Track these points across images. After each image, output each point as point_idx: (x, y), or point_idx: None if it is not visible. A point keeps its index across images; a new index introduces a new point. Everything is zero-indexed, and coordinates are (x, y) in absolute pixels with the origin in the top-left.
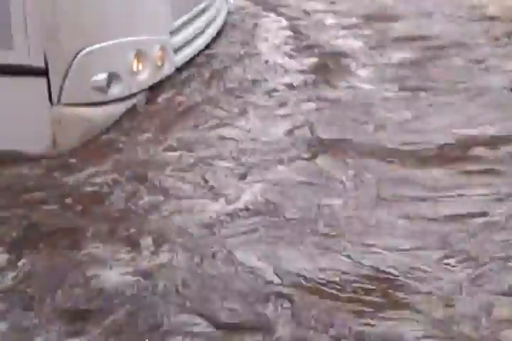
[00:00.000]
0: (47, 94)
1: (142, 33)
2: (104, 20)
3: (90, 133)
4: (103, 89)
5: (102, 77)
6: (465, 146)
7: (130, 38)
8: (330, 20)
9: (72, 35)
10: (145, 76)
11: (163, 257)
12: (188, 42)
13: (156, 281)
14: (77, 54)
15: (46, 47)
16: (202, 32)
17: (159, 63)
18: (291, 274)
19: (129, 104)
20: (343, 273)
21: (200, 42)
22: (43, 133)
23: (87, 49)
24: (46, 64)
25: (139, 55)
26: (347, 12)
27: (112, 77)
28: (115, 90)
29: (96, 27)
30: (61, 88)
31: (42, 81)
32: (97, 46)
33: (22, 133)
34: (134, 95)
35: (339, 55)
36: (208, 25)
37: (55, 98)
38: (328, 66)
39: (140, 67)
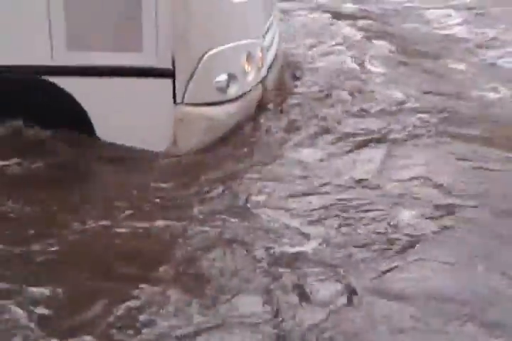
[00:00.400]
0: (171, 95)
1: (251, 36)
2: (228, 23)
3: (211, 133)
4: (223, 90)
5: (223, 77)
6: None
7: (244, 41)
8: None
9: (200, 38)
10: (252, 77)
11: None
12: (269, 46)
13: None
14: (203, 56)
15: (175, 49)
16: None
17: (260, 65)
18: None
19: (241, 103)
20: None
21: (275, 47)
22: (165, 132)
23: (212, 51)
24: (173, 66)
25: (249, 57)
26: None
27: (231, 78)
28: (232, 90)
29: (221, 30)
30: (185, 89)
31: (167, 82)
32: (220, 48)
33: (145, 132)
34: (243, 95)
35: None
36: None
37: (179, 98)
38: None
39: (249, 69)
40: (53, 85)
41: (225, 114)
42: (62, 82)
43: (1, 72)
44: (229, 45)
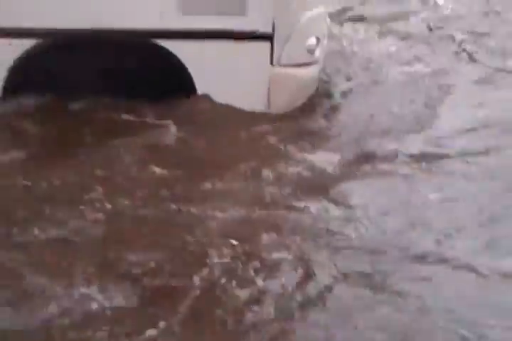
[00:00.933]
0: (269, 57)
1: (329, 5)
2: None
3: (301, 93)
4: (312, 52)
5: (313, 40)
6: None
7: (325, 9)
8: None
9: (297, 3)
10: (325, 42)
11: None
12: None
13: None
14: (299, 20)
15: (275, 14)
16: None
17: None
18: None
19: (319, 66)
20: None
21: None
22: (261, 92)
23: (307, 15)
24: (273, 29)
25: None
26: None
27: (318, 41)
28: (317, 53)
29: None
30: (281, 51)
31: (266, 44)
32: (312, 13)
33: (242, 91)
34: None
35: None
36: None
37: (275, 60)
38: None
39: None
40: (161, 48)
41: (311, 75)
42: (170, 45)
43: (113, 35)
44: (318, 10)
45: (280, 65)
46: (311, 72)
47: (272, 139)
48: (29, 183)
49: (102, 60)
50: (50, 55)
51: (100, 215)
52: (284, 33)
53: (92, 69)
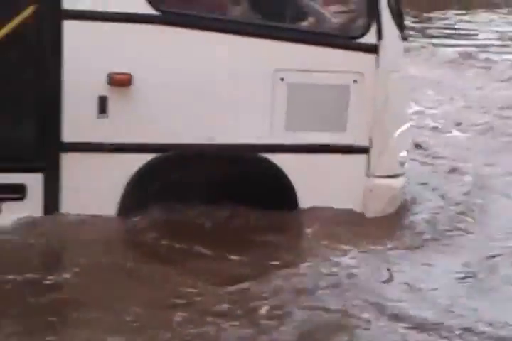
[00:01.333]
0: (365, 168)
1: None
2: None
3: (393, 202)
4: (403, 164)
5: (404, 153)
6: None
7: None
8: None
9: (393, 120)
10: None
11: None
12: None
13: None
14: (394, 135)
15: (372, 129)
16: None
17: None
18: None
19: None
20: None
21: None
22: (357, 201)
23: (399, 131)
24: (370, 144)
25: None
26: None
27: (407, 154)
28: (405, 165)
29: (405, 112)
30: (376, 163)
31: (363, 157)
32: (403, 128)
33: (339, 201)
34: None
35: None
36: None
37: (370, 171)
38: None
39: None
40: (267, 161)
41: (401, 185)
42: (275, 158)
43: (222, 150)
44: (406, 126)
45: (375, 176)
46: (401, 183)
47: None
48: None
49: (213, 172)
50: (169, 167)
51: None
52: (379, 146)
53: (202, 182)
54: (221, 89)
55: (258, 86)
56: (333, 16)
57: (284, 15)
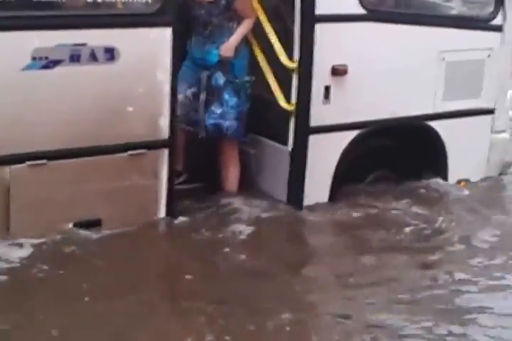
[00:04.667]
0: (490, 126)
1: None
2: None
3: (507, 153)
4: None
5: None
6: None
7: None
8: None
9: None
10: None
11: None
12: None
13: None
14: (507, 98)
15: (495, 95)
16: None
17: None
18: None
19: None
20: None
21: None
22: (485, 155)
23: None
24: (495, 106)
25: None
26: None
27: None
28: None
29: None
30: (497, 121)
31: (489, 117)
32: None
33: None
34: None
35: None
36: None
37: (493, 128)
38: None
39: None
40: (431, 128)
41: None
42: (436, 124)
43: (400, 121)
44: None
45: (495, 132)
46: (509, 137)
47: None
48: None
49: (394, 141)
50: (371, 140)
51: None
52: (500, 107)
53: (387, 150)
54: (404, 71)
55: (428, 66)
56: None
57: (442, 6)
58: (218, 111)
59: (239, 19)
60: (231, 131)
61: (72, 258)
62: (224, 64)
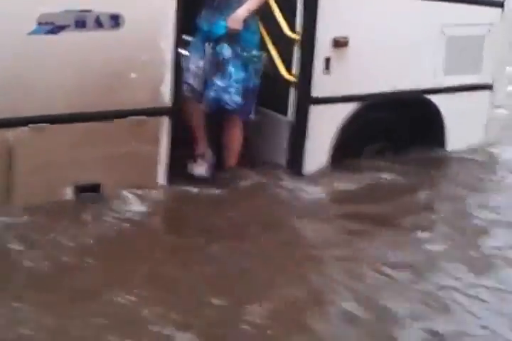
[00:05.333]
0: (487, 101)
1: None
2: None
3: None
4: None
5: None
6: None
7: None
8: None
9: (505, 62)
10: None
11: None
12: None
13: None
14: (505, 72)
15: (494, 70)
16: None
17: None
18: None
19: None
20: None
21: None
22: (481, 129)
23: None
24: (492, 82)
25: None
26: None
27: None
28: None
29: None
30: (495, 96)
31: (487, 93)
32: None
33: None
34: None
35: None
36: None
37: (493, 104)
38: None
39: None
40: (430, 101)
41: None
42: (435, 98)
43: (400, 94)
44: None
45: (494, 107)
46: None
47: None
48: None
49: (392, 114)
50: (371, 112)
51: None
52: (499, 83)
53: (386, 122)
54: (404, 44)
55: (429, 40)
56: None
57: None
58: (220, 83)
59: None
60: (232, 106)
61: None
62: (231, 36)
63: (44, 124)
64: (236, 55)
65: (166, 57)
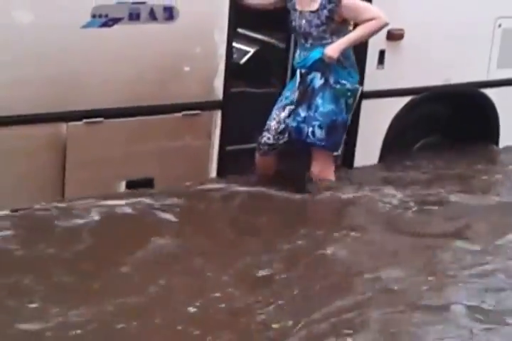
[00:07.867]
0: None
1: None
2: None
3: None
4: None
5: None
6: None
7: None
8: None
9: None
10: None
11: None
12: None
13: None
14: None
15: None
16: None
17: None
18: None
19: None
20: None
21: None
22: None
23: None
24: None
25: None
26: None
27: None
28: None
29: None
30: None
31: None
32: None
33: None
34: None
35: None
36: None
37: None
38: None
39: None
40: (483, 95)
41: None
42: (489, 92)
43: (454, 88)
44: None
45: None
46: None
47: None
48: None
49: (447, 107)
50: (423, 106)
51: None
52: None
53: (441, 116)
54: (459, 37)
55: (484, 33)
56: None
57: None
58: (304, 114)
59: (343, 33)
60: (313, 140)
61: None
62: (325, 65)
63: (98, 119)
64: (327, 87)
65: (219, 51)
